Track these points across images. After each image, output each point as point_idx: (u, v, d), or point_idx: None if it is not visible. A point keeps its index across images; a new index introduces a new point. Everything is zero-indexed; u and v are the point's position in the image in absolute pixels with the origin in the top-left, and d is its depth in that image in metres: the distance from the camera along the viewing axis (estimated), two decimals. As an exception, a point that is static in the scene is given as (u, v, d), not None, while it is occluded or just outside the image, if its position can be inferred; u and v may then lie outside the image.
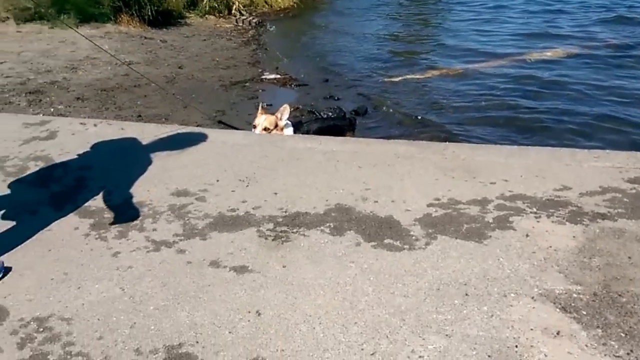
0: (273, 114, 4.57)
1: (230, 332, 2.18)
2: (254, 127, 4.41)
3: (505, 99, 7.05)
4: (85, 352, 2.09)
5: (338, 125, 5.06)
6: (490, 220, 2.92)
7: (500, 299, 2.33)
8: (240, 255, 2.69)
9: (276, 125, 4.40)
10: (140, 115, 5.87)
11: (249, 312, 2.29)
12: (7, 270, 2.58)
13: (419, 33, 11.69)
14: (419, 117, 6.45)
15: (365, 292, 2.39)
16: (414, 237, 2.79)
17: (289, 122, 4.60)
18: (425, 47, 10.25)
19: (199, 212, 3.08)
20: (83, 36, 3.08)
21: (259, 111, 4.56)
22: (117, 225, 2.94)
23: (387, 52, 9.87)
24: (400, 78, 8.09)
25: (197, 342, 2.13)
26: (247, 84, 7.67)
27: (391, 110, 6.75)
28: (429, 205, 3.09)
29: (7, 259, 2.65)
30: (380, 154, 3.78)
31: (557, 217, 2.91)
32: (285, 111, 4.49)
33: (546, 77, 7.83)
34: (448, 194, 3.20)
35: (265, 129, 4.34)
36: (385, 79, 8.12)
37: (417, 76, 8.23)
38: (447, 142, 4.02)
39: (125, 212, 3.06)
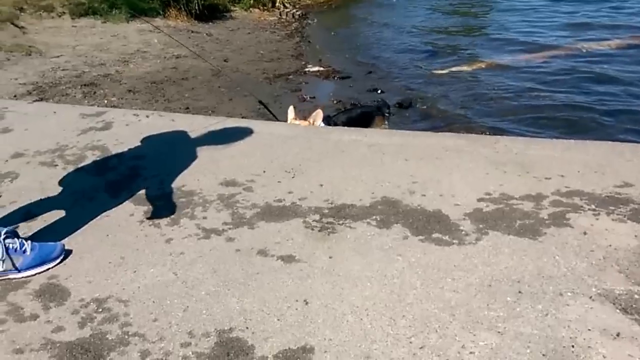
0: (305, 118, 4.48)
1: (278, 320, 2.21)
2: None
3: (556, 93, 6.84)
4: (141, 332, 2.17)
5: (366, 113, 5.02)
6: (545, 217, 2.85)
7: (556, 298, 2.28)
8: (287, 245, 2.73)
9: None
10: (188, 108, 6.00)
11: (297, 300, 2.32)
12: (67, 253, 2.69)
13: (465, 23, 11.46)
14: (465, 110, 6.34)
15: (413, 285, 2.38)
16: (463, 232, 2.75)
17: (323, 125, 4.41)
18: (471, 39, 10.04)
19: (246, 202, 3.13)
20: (161, 31, 3.26)
21: (291, 115, 4.37)
22: (166, 215, 3.03)
23: (431, 44, 9.72)
24: (445, 70, 7.97)
25: (247, 327, 2.18)
26: (291, 76, 7.71)
27: (436, 103, 6.66)
28: (480, 199, 3.05)
29: (68, 242, 2.77)
30: (428, 146, 3.75)
31: (617, 214, 2.81)
32: (318, 116, 4.26)
33: (601, 71, 7.54)
34: (500, 189, 3.15)
35: None
36: (430, 71, 8.01)
37: (464, 68, 8.08)
38: (498, 136, 3.93)
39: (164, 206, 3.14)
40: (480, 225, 2.81)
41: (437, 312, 2.22)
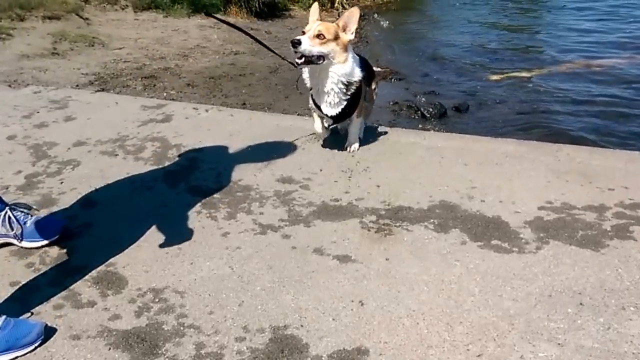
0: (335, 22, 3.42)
1: (334, 319, 2.20)
2: (303, 33, 3.24)
3: (618, 102, 6.54)
4: (197, 324, 2.19)
5: None
6: (608, 229, 2.74)
7: (618, 312, 2.19)
8: (343, 244, 2.71)
9: (336, 37, 3.25)
10: (244, 103, 6.05)
11: (352, 301, 2.30)
12: (66, 230, 2.78)
13: (528, 27, 11.12)
14: (524, 116, 6.14)
15: (471, 292, 2.32)
16: (523, 240, 2.67)
17: (356, 56, 3.49)
18: (535, 43, 9.72)
19: (303, 200, 3.13)
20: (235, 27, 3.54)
21: (314, 16, 3.41)
22: (225, 206, 3.06)
23: (492, 47, 9.48)
24: (505, 74, 7.74)
25: (302, 325, 2.17)
26: (347, 76, 7.67)
27: (494, 108, 6.48)
28: (541, 208, 2.95)
29: (127, 230, 2.84)
30: (488, 152, 3.65)
31: (685, 230, 2.67)
32: (352, 19, 3.30)
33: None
34: (561, 198, 3.04)
35: (318, 35, 3.17)
36: (490, 75, 7.80)
37: (522, 74, 7.83)
38: (560, 144, 3.80)
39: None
40: (541, 234, 2.72)
41: (496, 321, 2.16)
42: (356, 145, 3.77)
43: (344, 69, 3.32)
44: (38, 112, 4.63)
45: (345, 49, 3.32)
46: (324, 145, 3.82)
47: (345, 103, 3.45)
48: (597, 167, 3.39)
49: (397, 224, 2.86)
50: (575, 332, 2.10)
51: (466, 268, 2.48)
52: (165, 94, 6.12)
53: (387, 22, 11.86)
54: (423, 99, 6.64)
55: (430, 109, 6.05)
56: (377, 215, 2.96)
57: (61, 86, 5.74)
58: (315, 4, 3.49)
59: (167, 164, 3.61)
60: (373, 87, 3.96)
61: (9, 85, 5.60)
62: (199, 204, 3.10)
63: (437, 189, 3.21)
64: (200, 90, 6.40)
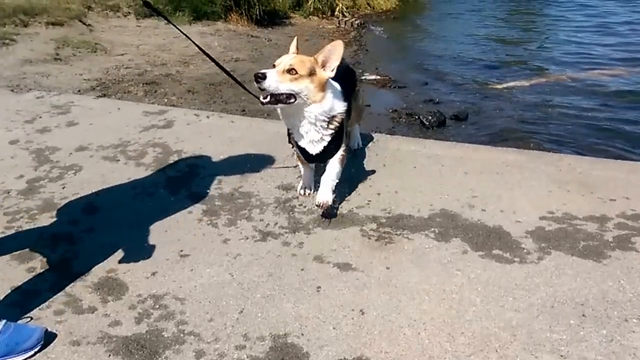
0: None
1: (334, 328, 2.19)
2: (273, 66, 2.73)
3: (618, 111, 6.55)
4: (197, 332, 2.19)
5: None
6: (610, 239, 2.74)
7: (621, 324, 2.18)
8: (343, 252, 2.70)
9: (312, 74, 2.72)
10: (244, 110, 6.05)
11: (353, 310, 2.29)
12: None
13: (526, 37, 11.18)
14: (523, 125, 6.14)
15: (472, 302, 2.32)
16: (525, 250, 2.67)
17: (336, 87, 2.93)
18: (533, 53, 9.77)
19: (303, 207, 3.13)
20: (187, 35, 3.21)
21: (293, 49, 3.02)
22: (225, 212, 3.06)
23: (491, 57, 9.52)
24: (504, 84, 7.77)
25: (302, 334, 2.16)
26: (348, 84, 7.70)
27: (493, 117, 6.49)
28: (542, 218, 2.95)
29: (128, 236, 2.83)
30: (488, 161, 3.66)
31: (687, 241, 2.67)
32: (334, 54, 2.80)
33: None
34: (563, 208, 3.04)
35: (289, 70, 2.66)
36: (489, 85, 7.82)
37: (523, 83, 7.85)
38: (561, 154, 3.81)
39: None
40: (543, 244, 2.72)
41: (498, 331, 2.15)
42: (328, 200, 2.97)
43: (321, 107, 2.78)
44: (40, 117, 4.63)
45: (322, 87, 2.75)
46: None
47: (328, 139, 2.90)
48: (598, 178, 3.39)
49: (398, 233, 2.86)
50: (577, 343, 2.09)
51: (467, 278, 2.48)
52: (166, 100, 6.13)
53: (387, 30, 11.92)
54: (422, 107, 6.67)
55: (430, 117, 6.05)
56: (377, 223, 2.95)
57: (63, 91, 5.75)
58: (296, 38, 3.09)
59: (168, 170, 3.61)
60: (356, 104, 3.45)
61: (12, 90, 5.60)
62: (200, 210, 3.10)
63: (438, 197, 3.21)
64: (201, 96, 6.41)
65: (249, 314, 2.28)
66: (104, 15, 9.68)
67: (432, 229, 2.88)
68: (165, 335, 2.17)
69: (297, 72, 2.67)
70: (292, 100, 2.70)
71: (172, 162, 3.71)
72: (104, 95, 5.90)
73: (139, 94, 6.30)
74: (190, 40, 3.17)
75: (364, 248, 2.73)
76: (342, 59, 2.88)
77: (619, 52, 9.43)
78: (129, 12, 9.94)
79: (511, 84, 7.84)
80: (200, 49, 3.19)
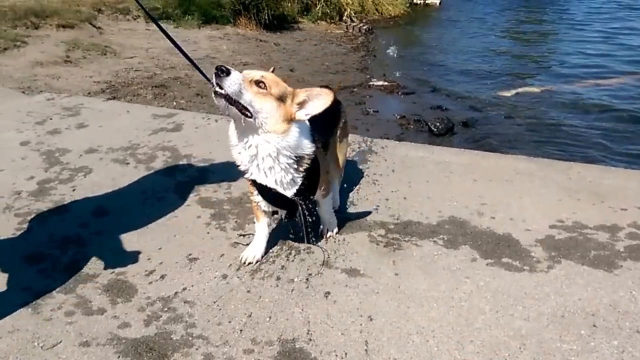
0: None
1: (342, 334, 2.19)
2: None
3: (628, 121, 6.54)
4: (205, 335, 2.19)
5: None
6: (621, 249, 2.73)
7: (633, 335, 2.17)
8: (351, 258, 2.70)
9: (281, 99, 2.27)
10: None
11: (361, 316, 2.29)
12: None
13: (539, 43, 11.22)
14: (532, 133, 6.15)
15: (481, 310, 2.31)
16: (534, 259, 2.65)
17: (305, 125, 2.43)
18: (545, 58, 9.79)
19: (311, 212, 3.12)
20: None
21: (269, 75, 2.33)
22: (234, 217, 3.07)
23: (499, 64, 9.53)
24: (512, 92, 7.77)
25: (311, 339, 2.16)
26: (355, 89, 7.70)
27: (501, 124, 6.49)
28: (552, 226, 2.94)
29: (137, 240, 2.84)
30: (497, 168, 3.65)
31: (699, 252, 2.65)
32: (317, 102, 2.35)
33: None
34: (573, 217, 3.03)
35: (258, 82, 2.22)
36: (497, 92, 7.83)
37: (532, 90, 7.86)
38: (571, 162, 3.80)
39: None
40: (553, 253, 2.71)
41: (507, 340, 2.14)
42: (335, 228, 2.90)
43: (284, 141, 2.31)
44: (51, 119, 4.66)
45: (287, 120, 2.30)
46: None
47: (300, 181, 2.46)
48: (609, 187, 3.38)
49: (406, 239, 2.85)
50: (588, 354, 2.08)
51: (476, 285, 2.47)
52: (175, 103, 6.16)
53: (395, 36, 11.93)
54: (430, 113, 6.66)
55: (438, 124, 6.06)
56: (385, 229, 2.95)
57: (73, 93, 5.79)
58: (272, 68, 2.49)
59: (177, 174, 3.62)
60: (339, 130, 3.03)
61: (23, 92, 5.65)
62: (209, 214, 3.10)
63: (447, 204, 3.20)
64: (209, 100, 6.40)
65: (257, 318, 2.28)
66: (113, 18, 9.75)
67: (441, 236, 2.87)
68: (174, 338, 2.18)
69: (266, 88, 2.22)
70: (248, 115, 2.20)
71: (181, 166, 3.72)
72: (114, 98, 5.94)
73: (148, 97, 6.34)
74: (160, 28, 2.89)
75: (372, 254, 2.73)
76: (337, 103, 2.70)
77: (628, 61, 9.41)
78: (139, 16, 10.01)
79: (520, 90, 7.84)
80: (164, 33, 2.92)
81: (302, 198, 2.52)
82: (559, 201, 3.21)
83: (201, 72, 2.82)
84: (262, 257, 2.70)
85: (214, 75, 2.14)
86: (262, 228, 2.70)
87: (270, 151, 2.33)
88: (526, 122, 6.53)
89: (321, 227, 2.91)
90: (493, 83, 8.33)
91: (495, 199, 3.24)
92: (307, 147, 2.42)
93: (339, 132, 3.00)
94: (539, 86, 8.00)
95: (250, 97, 2.19)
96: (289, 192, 2.46)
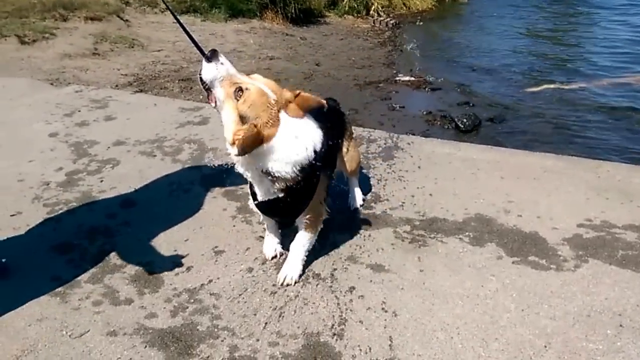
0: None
1: (366, 329, 2.19)
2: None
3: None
4: (230, 327, 2.21)
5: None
6: (651, 250, 2.68)
7: (661, 336, 2.13)
8: (376, 253, 2.70)
9: (245, 119, 2.12)
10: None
11: (386, 311, 2.29)
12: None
13: (569, 39, 10.96)
14: (560, 130, 6.04)
15: (507, 308, 2.29)
16: (561, 258, 2.62)
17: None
18: (575, 55, 9.56)
19: (336, 206, 3.12)
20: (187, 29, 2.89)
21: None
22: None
23: (529, 59, 9.36)
24: (543, 87, 7.63)
25: (335, 334, 2.17)
26: (381, 84, 7.65)
27: (529, 121, 6.39)
28: (580, 225, 2.89)
29: (164, 231, 2.88)
30: (525, 166, 3.60)
31: None
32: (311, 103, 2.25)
33: None
34: (601, 216, 2.98)
35: (238, 90, 2.11)
36: (526, 87, 7.70)
37: (563, 86, 7.70)
38: (600, 160, 3.73)
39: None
40: (580, 252, 2.67)
41: (532, 339, 2.12)
42: (294, 276, 2.49)
43: (233, 154, 2.21)
44: (79, 111, 4.74)
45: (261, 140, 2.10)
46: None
47: (281, 194, 2.27)
48: (638, 186, 3.31)
49: (432, 236, 2.84)
50: (614, 354, 2.05)
51: (502, 283, 2.45)
52: (201, 97, 6.19)
53: (423, 31, 11.82)
54: (457, 109, 6.59)
55: (465, 120, 5.99)
56: (411, 225, 2.94)
57: (101, 86, 5.88)
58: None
59: (203, 167, 3.65)
60: (345, 147, 2.87)
61: (52, 84, 5.75)
62: (234, 207, 3.13)
63: (473, 201, 3.18)
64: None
65: (282, 311, 2.30)
66: (141, 11, 9.85)
67: (467, 233, 2.85)
68: (200, 329, 2.20)
69: (238, 99, 2.10)
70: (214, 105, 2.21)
71: (207, 159, 3.75)
72: (141, 91, 6.00)
73: (174, 90, 6.40)
74: (171, 12, 2.81)
75: (397, 250, 2.73)
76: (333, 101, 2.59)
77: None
78: (166, 8, 10.09)
79: (550, 86, 7.69)
80: (174, 16, 2.62)
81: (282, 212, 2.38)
82: (587, 200, 3.16)
83: (196, 44, 2.40)
84: (277, 253, 2.68)
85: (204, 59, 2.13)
86: (269, 226, 2.68)
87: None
88: (553, 119, 6.41)
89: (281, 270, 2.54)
90: (521, 79, 8.19)
91: (522, 197, 3.20)
92: (282, 170, 2.19)
93: (345, 143, 2.87)
94: (567, 83, 7.84)
95: (221, 94, 2.15)
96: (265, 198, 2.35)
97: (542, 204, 3.12)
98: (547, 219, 2.97)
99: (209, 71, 2.13)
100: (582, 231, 2.85)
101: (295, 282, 2.48)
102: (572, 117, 6.42)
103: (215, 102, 2.20)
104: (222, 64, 2.13)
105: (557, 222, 2.94)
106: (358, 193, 3.14)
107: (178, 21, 2.50)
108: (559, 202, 3.14)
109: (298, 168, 2.19)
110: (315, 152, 2.21)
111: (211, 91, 2.18)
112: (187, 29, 2.48)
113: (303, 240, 2.49)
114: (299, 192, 2.27)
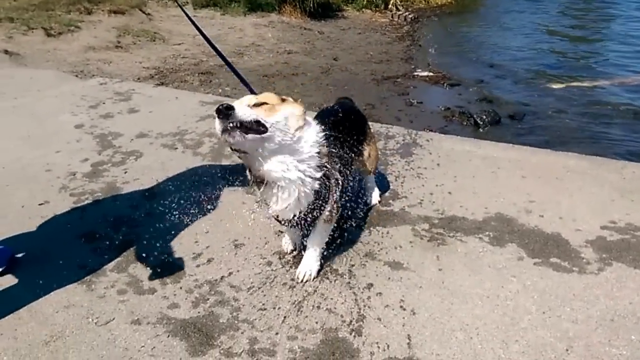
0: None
1: (385, 326, 2.19)
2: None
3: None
4: (250, 320, 2.23)
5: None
6: (676, 254, 2.63)
7: (685, 343, 2.10)
8: (394, 251, 2.70)
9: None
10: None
11: (404, 309, 2.29)
12: (13, 260, 2.61)
13: (592, 35, 10.79)
14: (583, 129, 5.96)
15: (528, 310, 2.28)
16: (584, 260, 2.59)
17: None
18: (598, 52, 9.42)
19: (354, 204, 3.13)
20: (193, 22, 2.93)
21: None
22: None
23: (550, 55, 9.24)
24: (564, 84, 7.53)
25: (353, 330, 2.18)
26: (399, 79, 7.62)
27: (551, 118, 6.31)
28: (603, 227, 2.86)
29: (185, 223, 2.91)
30: (547, 165, 3.57)
31: None
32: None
33: None
34: (626, 218, 2.94)
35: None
36: (547, 84, 7.60)
37: (584, 84, 7.58)
38: (625, 161, 3.67)
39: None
40: (604, 255, 2.64)
41: (553, 342, 2.11)
42: (312, 272, 2.50)
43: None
44: (104, 103, 4.80)
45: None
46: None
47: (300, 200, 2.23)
48: (664, 188, 3.26)
49: (451, 234, 2.83)
50: (637, 360, 2.03)
51: (523, 285, 2.43)
52: (220, 90, 6.25)
53: (442, 26, 11.72)
54: (476, 106, 6.54)
55: (484, 117, 5.94)
56: (429, 223, 2.93)
57: (124, 78, 5.95)
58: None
59: (223, 160, 3.68)
60: (366, 152, 2.85)
61: (76, 76, 5.83)
62: (254, 201, 3.14)
63: (493, 200, 3.16)
64: (254, 87, 6.49)
65: (301, 305, 2.31)
66: (162, 4, 9.93)
67: (487, 233, 2.84)
68: (221, 321, 2.23)
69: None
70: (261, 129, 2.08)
71: (227, 152, 3.77)
72: (162, 84, 6.07)
73: (194, 84, 6.45)
74: (191, 21, 2.81)
75: (415, 248, 2.72)
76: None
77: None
78: (187, 2, 10.16)
79: (571, 84, 7.59)
80: (199, 30, 2.78)
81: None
82: (611, 201, 3.11)
83: (239, 75, 2.65)
84: (296, 247, 2.70)
85: (217, 118, 2.03)
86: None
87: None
88: (575, 117, 6.33)
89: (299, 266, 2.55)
90: (544, 74, 8.09)
91: (544, 197, 3.17)
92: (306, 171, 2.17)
93: (367, 147, 2.86)
94: (590, 81, 7.73)
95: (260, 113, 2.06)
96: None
97: (565, 204, 3.09)
98: (570, 220, 2.94)
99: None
100: (606, 233, 2.82)
101: (314, 278, 2.49)
102: (595, 116, 6.32)
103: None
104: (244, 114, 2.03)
105: (580, 223, 2.90)
106: (375, 190, 3.16)
107: (208, 41, 2.61)
108: (582, 202, 3.10)
109: (318, 171, 2.20)
110: (331, 155, 2.25)
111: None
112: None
113: (321, 232, 2.47)
114: (318, 196, 2.25)
